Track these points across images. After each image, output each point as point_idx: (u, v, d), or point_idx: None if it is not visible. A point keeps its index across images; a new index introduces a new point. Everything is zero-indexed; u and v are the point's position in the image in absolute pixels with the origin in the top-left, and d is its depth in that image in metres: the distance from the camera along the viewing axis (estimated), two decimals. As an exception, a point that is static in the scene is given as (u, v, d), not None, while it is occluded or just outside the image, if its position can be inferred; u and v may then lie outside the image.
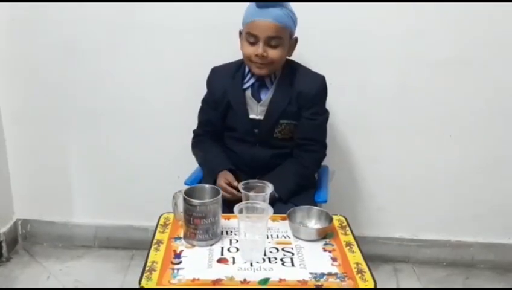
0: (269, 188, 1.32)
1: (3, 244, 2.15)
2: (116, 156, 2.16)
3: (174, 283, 1.08)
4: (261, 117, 1.63)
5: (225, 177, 1.55)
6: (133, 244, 2.22)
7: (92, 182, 2.22)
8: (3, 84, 2.06)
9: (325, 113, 1.66)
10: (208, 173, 1.67)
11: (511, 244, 2.20)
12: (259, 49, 1.48)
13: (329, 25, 1.88)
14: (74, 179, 2.21)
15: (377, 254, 2.16)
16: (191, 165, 1.78)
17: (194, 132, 1.76)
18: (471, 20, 1.88)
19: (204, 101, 1.72)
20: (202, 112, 1.73)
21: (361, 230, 2.06)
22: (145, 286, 1.07)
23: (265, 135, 1.65)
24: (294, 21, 1.54)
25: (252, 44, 1.51)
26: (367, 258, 1.21)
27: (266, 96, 1.61)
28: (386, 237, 2.21)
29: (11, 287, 1.99)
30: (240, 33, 1.59)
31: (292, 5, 1.56)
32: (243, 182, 1.35)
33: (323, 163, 1.79)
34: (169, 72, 2.00)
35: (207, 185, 1.29)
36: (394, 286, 2.08)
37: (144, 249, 1.25)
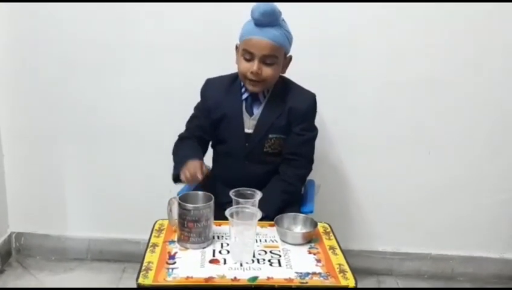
0: (258, 195, 1.40)
1: (-2, 257, 2.20)
2: (109, 171, 2.23)
3: (169, 280, 1.15)
4: (252, 131, 1.66)
5: (192, 166, 1.49)
6: (125, 257, 2.28)
7: (85, 196, 2.28)
8: (3, 101, 2.14)
9: (314, 131, 1.71)
10: (175, 165, 1.61)
11: (489, 257, 2.30)
12: (254, 66, 1.52)
13: (318, 45, 1.99)
14: (68, 194, 2.27)
15: (361, 267, 2.22)
16: (181, 179, 1.85)
17: (180, 135, 1.74)
18: (450, 41, 2.00)
19: (197, 108, 1.74)
20: (193, 118, 1.74)
21: (345, 243, 2.12)
22: (142, 283, 1.14)
23: (255, 149, 1.67)
24: (289, 40, 1.58)
25: (248, 60, 1.55)
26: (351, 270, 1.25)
27: (258, 110, 1.66)
28: (370, 250, 2.30)
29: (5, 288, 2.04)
30: (236, 47, 1.63)
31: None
32: (233, 190, 1.42)
33: (310, 177, 1.86)
34: (164, 91, 2.08)
35: (200, 192, 1.37)
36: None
37: (136, 262, 1.30)
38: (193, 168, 1.49)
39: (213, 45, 1.99)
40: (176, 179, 1.56)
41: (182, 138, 1.73)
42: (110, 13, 2.00)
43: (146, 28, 2.02)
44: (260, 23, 1.51)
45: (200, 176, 1.47)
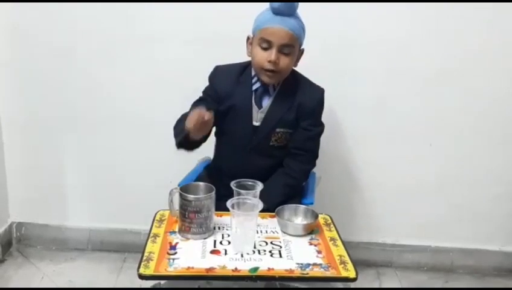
0: (259, 186, 1.40)
1: (-2, 246, 2.20)
2: (110, 161, 2.22)
3: (171, 270, 1.16)
4: (259, 124, 1.64)
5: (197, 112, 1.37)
6: (126, 247, 2.29)
7: (86, 187, 2.28)
8: (3, 89, 2.13)
9: (320, 126, 1.70)
10: (177, 132, 1.55)
11: (488, 249, 2.31)
12: (272, 55, 1.49)
13: (319, 38, 1.94)
14: (69, 184, 2.27)
15: (360, 259, 2.23)
16: (183, 170, 1.81)
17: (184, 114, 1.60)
18: (453, 34, 1.99)
19: (205, 92, 1.69)
20: (201, 101, 1.65)
21: (344, 235, 2.13)
22: (143, 273, 1.15)
23: (261, 142, 1.65)
24: (304, 32, 1.56)
25: (265, 50, 1.51)
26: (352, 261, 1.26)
27: (267, 103, 1.63)
28: (369, 242, 2.30)
29: (6, 288, 2.04)
30: (248, 39, 1.60)
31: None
32: (234, 181, 1.42)
33: (310, 168, 1.88)
34: (164, 81, 2.08)
35: (201, 183, 1.38)
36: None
37: (137, 252, 1.31)
38: (197, 113, 1.35)
39: (217, 34, 1.98)
40: (180, 143, 1.51)
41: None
42: (110, 2, 1.98)
43: (147, 17, 2.00)
44: (279, 12, 1.48)
45: (206, 117, 1.35)
